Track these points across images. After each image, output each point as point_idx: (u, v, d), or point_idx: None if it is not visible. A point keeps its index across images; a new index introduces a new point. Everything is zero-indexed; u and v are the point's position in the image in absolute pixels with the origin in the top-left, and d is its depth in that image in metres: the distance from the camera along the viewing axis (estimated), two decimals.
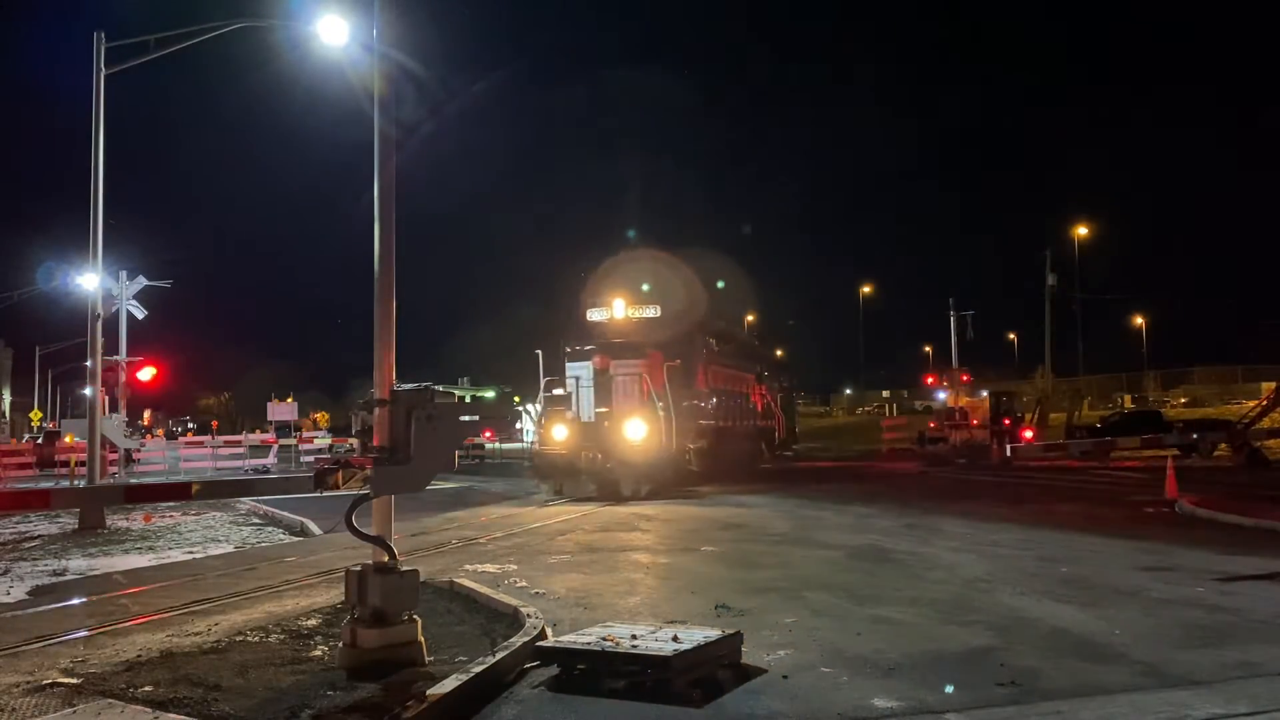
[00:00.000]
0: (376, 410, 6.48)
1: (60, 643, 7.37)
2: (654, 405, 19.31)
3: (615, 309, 22.16)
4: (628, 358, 19.93)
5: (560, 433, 19.43)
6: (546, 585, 9.50)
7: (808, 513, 16.17)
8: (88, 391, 20.52)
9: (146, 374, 27.13)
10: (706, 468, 21.90)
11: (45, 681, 6.16)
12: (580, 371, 20.18)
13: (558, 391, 20.22)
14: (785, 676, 6.18)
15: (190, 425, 74.00)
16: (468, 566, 10.63)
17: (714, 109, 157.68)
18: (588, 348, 20.50)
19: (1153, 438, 27.10)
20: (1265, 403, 29.34)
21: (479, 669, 6.01)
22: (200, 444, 37.13)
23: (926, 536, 12.86)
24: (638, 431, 18.93)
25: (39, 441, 40.51)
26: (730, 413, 25.73)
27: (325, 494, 6.71)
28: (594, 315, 22.49)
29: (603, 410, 19.49)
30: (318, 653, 6.78)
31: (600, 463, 18.95)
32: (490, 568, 10.61)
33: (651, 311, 22.16)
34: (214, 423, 63.65)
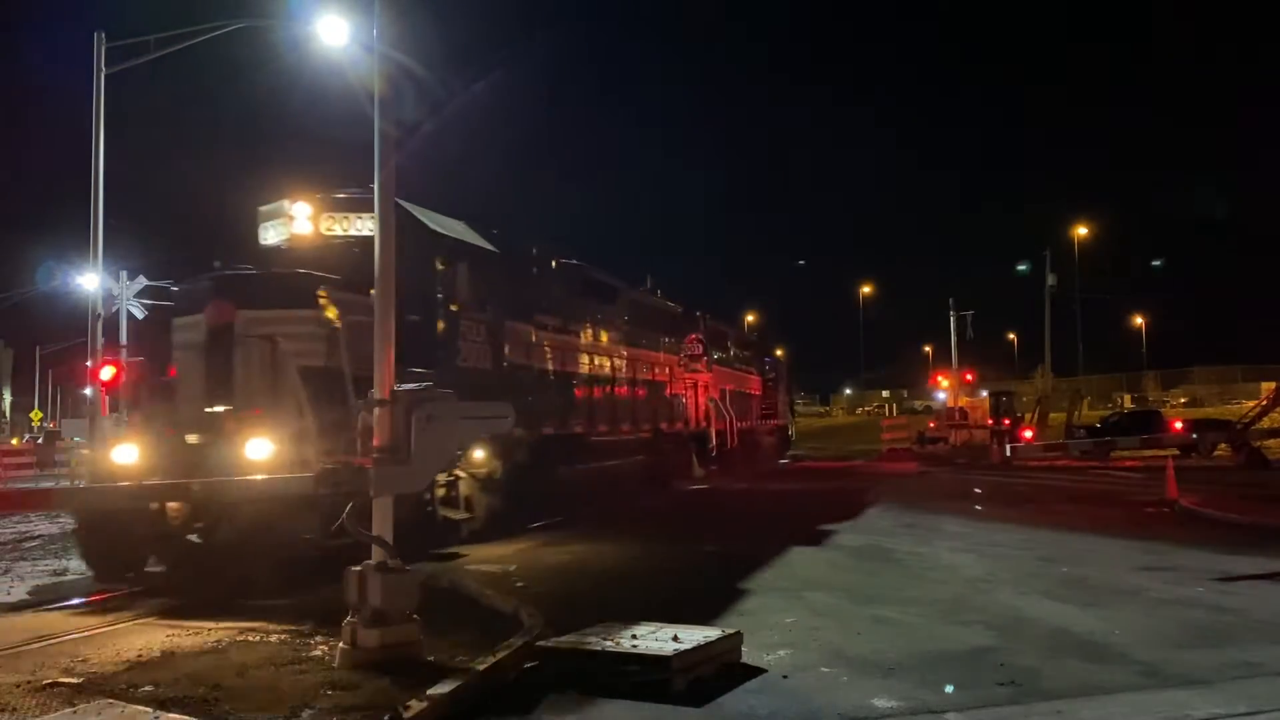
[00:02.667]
0: (377, 410, 6.49)
1: (61, 642, 7.38)
2: (318, 400, 9.43)
3: (298, 220, 12.01)
4: (272, 305, 10.12)
5: (128, 455, 9.92)
6: (547, 585, 9.50)
7: None
8: (88, 391, 20.54)
9: None
10: (506, 508, 12.89)
11: (46, 681, 6.16)
12: (190, 334, 10.41)
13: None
14: (785, 676, 6.18)
15: None
16: (468, 567, 10.63)
17: (714, 107, 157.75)
18: (199, 284, 10.73)
19: (1152, 438, 27.22)
20: (1265, 403, 29.38)
21: (479, 669, 6.01)
22: None
23: (926, 536, 12.86)
24: (264, 453, 9.35)
25: (39, 441, 40.56)
26: (594, 411, 16.79)
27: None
28: (268, 234, 12.57)
29: (217, 411, 9.97)
30: (318, 653, 6.78)
31: (191, 521, 9.74)
32: (491, 568, 10.61)
33: (368, 227, 10.65)
34: None
